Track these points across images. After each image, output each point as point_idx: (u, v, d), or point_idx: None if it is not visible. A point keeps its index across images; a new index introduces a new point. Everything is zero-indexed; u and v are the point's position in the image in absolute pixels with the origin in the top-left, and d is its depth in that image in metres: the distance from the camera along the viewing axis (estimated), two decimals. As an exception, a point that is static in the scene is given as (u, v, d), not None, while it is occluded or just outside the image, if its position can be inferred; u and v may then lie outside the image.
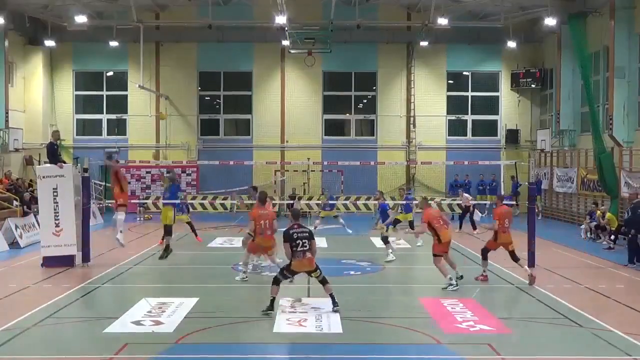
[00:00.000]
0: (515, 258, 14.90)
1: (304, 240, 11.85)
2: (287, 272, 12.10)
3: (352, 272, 15.76)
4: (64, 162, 17.84)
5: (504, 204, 15.63)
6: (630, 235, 17.93)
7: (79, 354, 9.80)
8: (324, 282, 12.10)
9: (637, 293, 14.24)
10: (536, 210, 28.47)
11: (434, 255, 14.32)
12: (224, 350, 9.84)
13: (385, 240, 18.32)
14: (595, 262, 18.29)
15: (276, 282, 12.02)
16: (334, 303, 11.93)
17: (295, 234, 11.91)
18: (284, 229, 12.15)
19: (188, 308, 12.22)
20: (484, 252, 15.18)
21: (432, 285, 14.86)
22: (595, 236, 22.51)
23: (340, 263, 17.44)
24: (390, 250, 18.24)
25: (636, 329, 10.92)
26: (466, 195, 26.19)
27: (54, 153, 17.67)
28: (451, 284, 14.03)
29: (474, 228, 24.34)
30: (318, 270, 12.06)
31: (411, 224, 20.70)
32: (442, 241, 14.25)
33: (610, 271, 16.81)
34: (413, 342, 10.54)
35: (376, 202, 20.08)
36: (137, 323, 11.24)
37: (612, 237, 20.76)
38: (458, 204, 25.61)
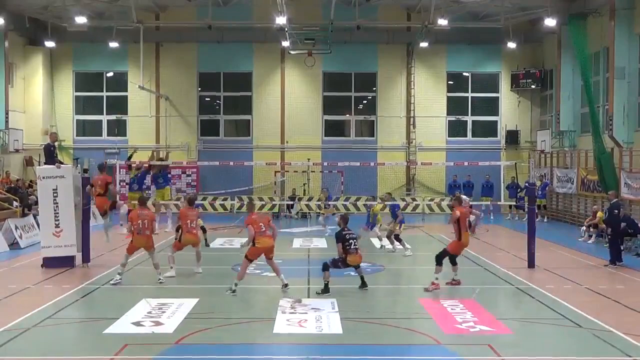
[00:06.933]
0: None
1: None
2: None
3: (352, 273, 15.69)
4: (62, 163, 17.89)
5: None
6: (609, 236, 18.05)
7: (79, 354, 9.81)
8: None
9: (636, 293, 14.22)
10: (542, 212, 28.54)
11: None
12: (224, 351, 9.84)
13: (397, 238, 19.07)
14: (595, 262, 18.26)
15: None
16: None
17: None
18: None
19: (188, 309, 12.21)
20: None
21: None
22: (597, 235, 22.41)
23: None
24: (407, 247, 19.03)
25: (636, 329, 10.91)
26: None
27: (51, 154, 17.78)
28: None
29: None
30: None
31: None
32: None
33: (610, 272, 16.80)
34: (413, 342, 10.55)
35: (386, 203, 20.27)
36: (137, 324, 11.24)
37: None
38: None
